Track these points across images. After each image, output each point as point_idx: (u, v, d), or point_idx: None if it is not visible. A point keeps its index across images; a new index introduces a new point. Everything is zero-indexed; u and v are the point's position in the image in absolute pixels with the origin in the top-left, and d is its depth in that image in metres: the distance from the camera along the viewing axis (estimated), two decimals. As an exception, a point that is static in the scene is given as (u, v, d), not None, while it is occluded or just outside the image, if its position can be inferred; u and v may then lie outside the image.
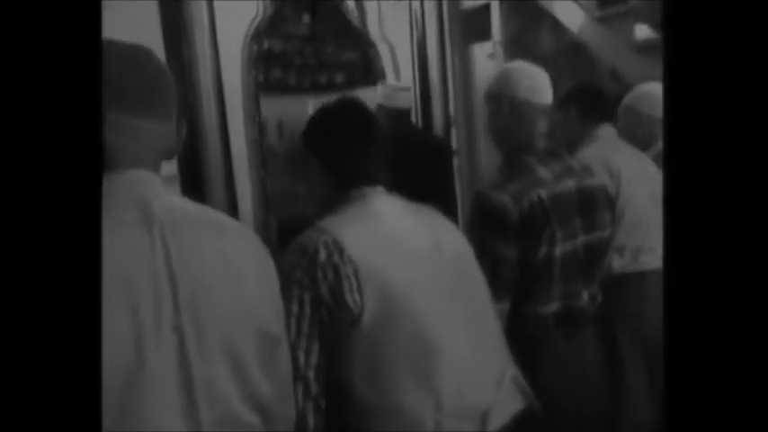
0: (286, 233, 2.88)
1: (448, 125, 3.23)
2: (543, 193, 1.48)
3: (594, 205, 1.60)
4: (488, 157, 3.55)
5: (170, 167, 2.14)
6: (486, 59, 3.41)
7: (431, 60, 3.00)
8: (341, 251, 1.08)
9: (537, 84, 1.60)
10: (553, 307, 1.54)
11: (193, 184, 2.11)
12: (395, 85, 2.58)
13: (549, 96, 1.61)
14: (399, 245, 1.16)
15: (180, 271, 0.81)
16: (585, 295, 1.60)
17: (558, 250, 1.51)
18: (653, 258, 1.97)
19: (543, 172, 1.53)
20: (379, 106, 2.43)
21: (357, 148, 1.22)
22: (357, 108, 1.29)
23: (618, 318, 1.97)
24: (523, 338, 1.53)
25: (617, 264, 1.98)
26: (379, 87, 2.52)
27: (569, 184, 1.56)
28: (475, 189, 2.02)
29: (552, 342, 1.56)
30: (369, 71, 2.98)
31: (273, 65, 2.74)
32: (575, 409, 1.57)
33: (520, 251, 1.47)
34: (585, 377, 1.61)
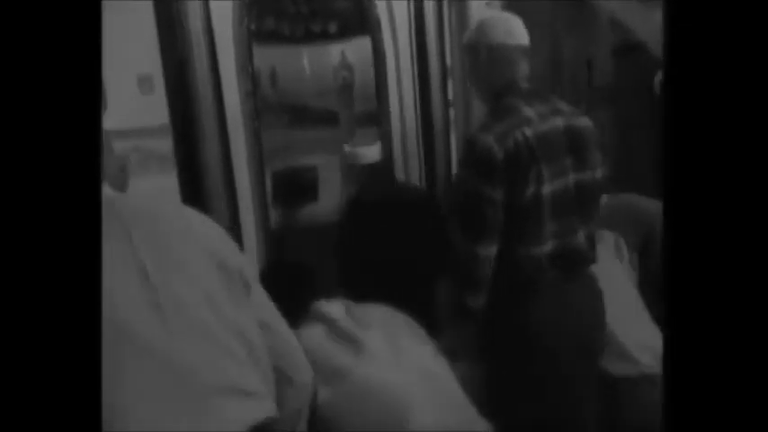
0: (280, 185, 2.88)
1: (444, 76, 3.18)
2: (529, 131, 1.49)
3: (584, 144, 1.60)
4: (483, 110, 3.54)
5: (161, 117, 2.13)
6: (483, 8, 3.35)
7: (427, 10, 2.94)
8: None
9: (510, 26, 1.61)
10: (547, 247, 1.55)
11: (186, 136, 2.09)
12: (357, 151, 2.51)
13: (525, 38, 1.62)
14: None
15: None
16: (582, 234, 1.61)
17: (547, 188, 1.51)
18: None
19: (528, 111, 1.53)
20: (351, 166, 2.41)
21: None
22: None
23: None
24: (519, 281, 1.55)
25: None
26: (346, 148, 2.48)
27: (557, 122, 1.56)
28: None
29: (549, 284, 1.57)
30: (364, 20, 2.92)
31: (266, 14, 2.68)
32: (572, 351, 1.59)
33: (507, 192, 1.48)
34: (582, 319, 1.64)
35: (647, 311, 1.93)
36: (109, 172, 0.99)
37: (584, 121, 1.64)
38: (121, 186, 1.31)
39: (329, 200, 3.05)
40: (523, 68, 1.61)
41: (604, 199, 2.04)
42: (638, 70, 4.08)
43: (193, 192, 2.11)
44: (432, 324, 1.59)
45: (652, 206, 2.20)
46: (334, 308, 1.40)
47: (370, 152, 2.45)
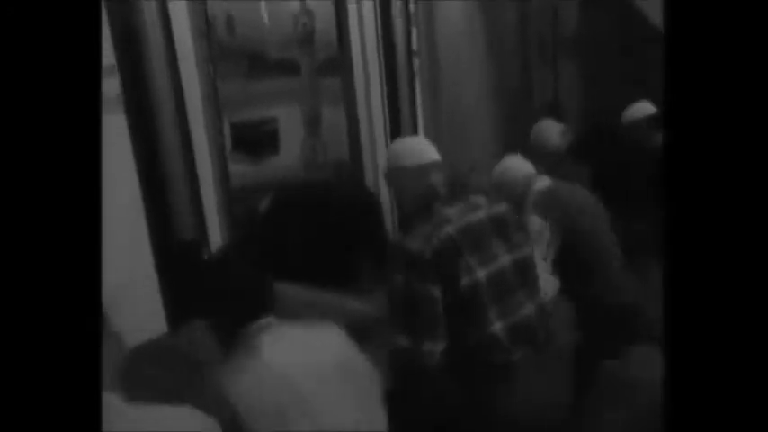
0: (240, 137, 2.77)
1: (408, 23, 3.09)
2: (450, 228, 1.63)
3: (508, 227, 1.75)
4: (451, 88, 3.48)
5: (109, 57, 1.99)
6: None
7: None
8: None
9: (421, 148, 1.80)
10: (497, 327, 1.64)
11: (135, 78, 1.95)
12: None
13: (436, 154, 1.79)
14: None
15: None
16: (531, 307, 1.73)
17: (482, 274, 1.64)
18: None
19: (448, 211, 1.69)
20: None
21: None
22: None
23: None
24: (481, 368, 1.64)
25: None
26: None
27: (478, 215, 1.72)
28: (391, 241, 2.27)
29: (512, 365, 1.66)
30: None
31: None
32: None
33: (444, 286, 1.59)
34: (548, 398, 1.73)
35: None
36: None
37: (503, 207, 1.79)
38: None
39: (290, 153, 2.95)
40: (438, 178, 1.76)
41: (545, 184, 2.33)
42: (605, 20, 4.07)
43: (144, 138, 1.98)
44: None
45: (578, 193, 2.37)
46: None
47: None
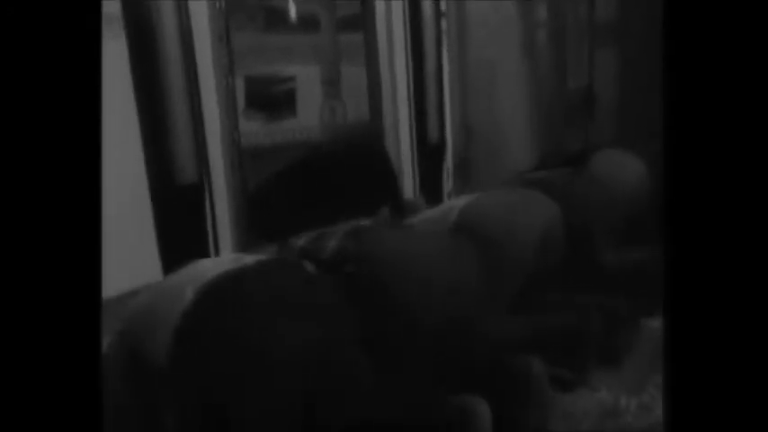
0: (256, 92, 2.64)
1: (438, 14, 2.94)
2: None
3: None
4: (478, 51, 3.31)
5: (113, 6, 1.87)
6: None
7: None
8: None
9: None
10: None
11: (141, 34, 1.82)
12: None
13: None
14: None
15: None
16: None
17: None
18: None
19: None
20: None
21: None
22: None
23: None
24: None
25: None
26: None
27: None
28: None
29: None
30: None
31: None
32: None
33: None
34: None
35: None
36: None
37: None
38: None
39: (308, 115, 2.82)
40: None
41: None
42: (645, 4, 3.85)
43: (149, 76, 1.85)
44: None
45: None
46: None
47: None
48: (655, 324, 1.99)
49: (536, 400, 1.43)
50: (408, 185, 2.77)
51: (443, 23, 3.07)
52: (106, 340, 1.06)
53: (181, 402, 1.02)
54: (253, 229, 2.32)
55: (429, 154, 2.89)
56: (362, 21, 2.81)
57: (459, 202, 1.85)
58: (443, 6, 3.09)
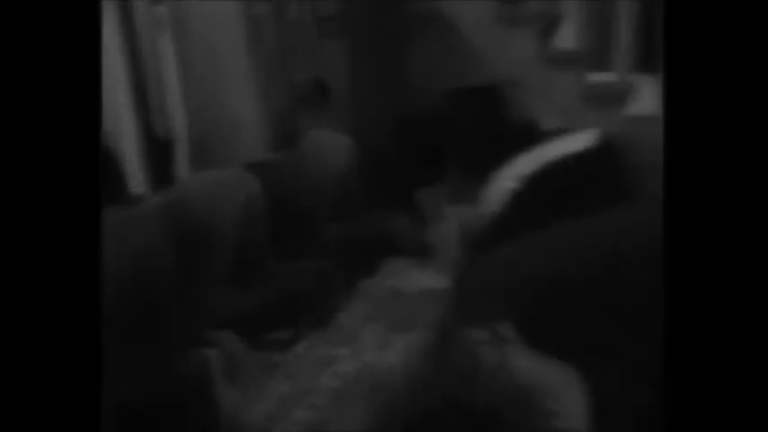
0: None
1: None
2: None
3: None
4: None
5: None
6: None
7: None
8: None
9: None
10: None
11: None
12: None
13: None
14: None
15: None
16: None
17: None
18: None
19: None
20: None
21: None
22: None
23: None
24: None
25: None
26: None
27: None
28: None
29: None
30: None
31: None
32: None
33: None
34: None
35: None
36: None
37: None
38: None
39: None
40: None
41: None
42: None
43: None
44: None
45: None
46: None
47: None
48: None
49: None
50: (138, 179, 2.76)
51: (161, 16, 3.08)
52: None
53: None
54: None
55: (157, 147, 2.90)
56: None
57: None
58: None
